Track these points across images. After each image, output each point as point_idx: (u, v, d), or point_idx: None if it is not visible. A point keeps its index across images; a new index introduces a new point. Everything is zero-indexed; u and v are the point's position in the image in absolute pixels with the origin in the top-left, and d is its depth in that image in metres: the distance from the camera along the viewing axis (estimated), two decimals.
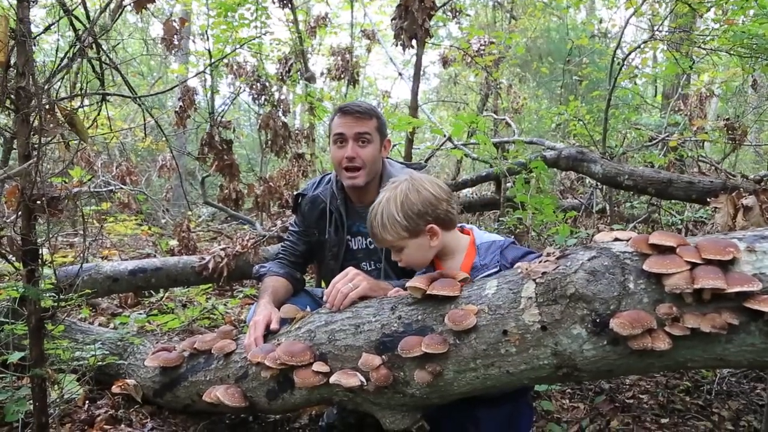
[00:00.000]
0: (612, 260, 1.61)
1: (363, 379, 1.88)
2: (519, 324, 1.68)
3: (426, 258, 2.08)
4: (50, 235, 1.90)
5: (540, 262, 1.73)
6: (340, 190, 2.58)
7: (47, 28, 2.03)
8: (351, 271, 2.15)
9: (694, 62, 6.23)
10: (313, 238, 2.64)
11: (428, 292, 1.84)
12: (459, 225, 2.17)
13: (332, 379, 1.91)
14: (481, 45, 7.49)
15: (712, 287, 1.43)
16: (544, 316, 1.64)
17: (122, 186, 6.62)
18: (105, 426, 2.39)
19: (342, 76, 7.88)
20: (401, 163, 2.78)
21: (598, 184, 5.45)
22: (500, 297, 1.75)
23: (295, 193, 2.78)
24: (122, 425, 2.42)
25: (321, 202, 2.60)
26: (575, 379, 1.85)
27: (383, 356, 1.88)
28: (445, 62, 8.94)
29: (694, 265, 1.50)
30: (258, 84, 6.61)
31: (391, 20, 4.21)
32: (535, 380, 1.80)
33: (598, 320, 1.57)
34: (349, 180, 2.46)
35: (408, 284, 1.93)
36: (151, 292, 4.59)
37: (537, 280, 1.68)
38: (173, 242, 5.53)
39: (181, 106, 6.14)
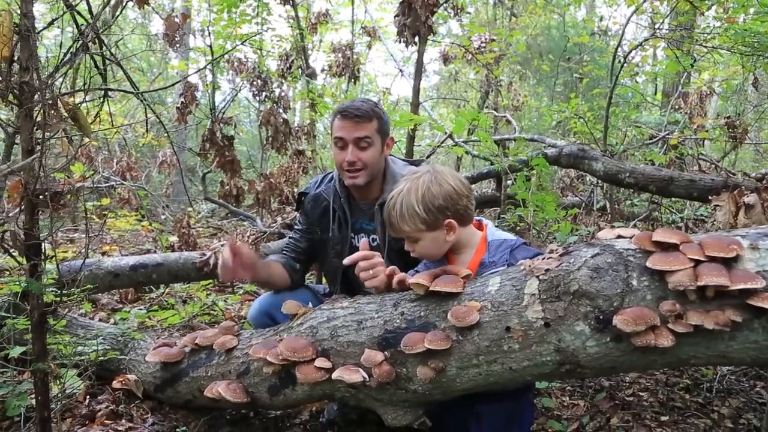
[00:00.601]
0: (615, 257, 1.61)
1: (365, 375, 1.88)
2: (522, 320, 1.69)
3: (440, 251, 2.08)
4: (53, 230, 1.90)
5: (543, 259, 1.74)
6: (343, 187, 2.58)
7: (51, 23, 2.03)
8: (376, 257, 2.14)
9: (695, 60, 6.23)
10: (316, 236, 2.64)
11: (431, 289, 1.84)
12: (476, 219, 2.17)
13: (334, 375, 1.91)
14: (482, 42, 7.48)
15: (716, 284, 1.43)
16: (547, 312, 1.65)
17: (123, 182, 6.61)
18: (106, 421, 2.39)
19: (343, 72, 7.87)
20: (403, 160, 2.77)
21: (599, 181, 5.45)
22: (503, 293, 1.75)
23: (298, 191, 2.78)
24: (123, 420, 2.42)
25: (324, 200, 2.60)
26: (578, 375, 1.85)
27: (386, 352, 1.89)
28: (445, 59, 8.92)
29: (697, 263, 1.50)
30: (259, 80, 6.60)
31: (394, 17, 4.21)
32: (538, 377, 1.80)
33: (601, 317, 1.57)
34: (350, 179, 2.46)
35: (411, 281, 1.93)
36: (152, 287, 4.59)
37: (540, 277, 1.68)
38: (173, 238, 5.53)
39: (182, 102, 6.13)
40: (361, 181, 2.45)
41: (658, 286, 1.54)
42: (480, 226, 2.19)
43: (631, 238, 1.67)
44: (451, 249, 2.09)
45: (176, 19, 5.59)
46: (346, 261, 2.15)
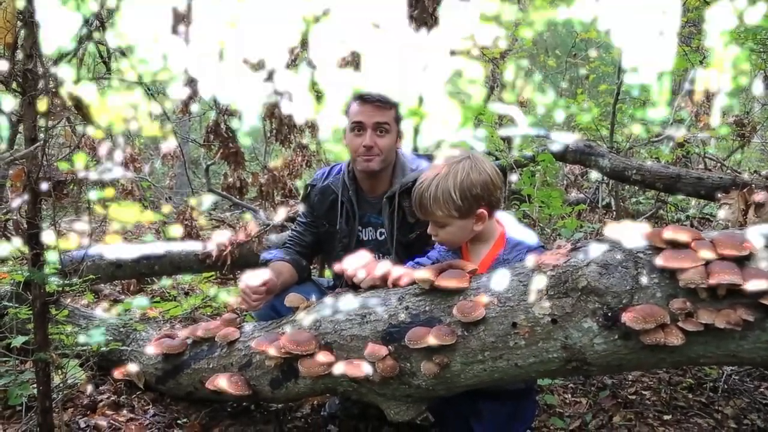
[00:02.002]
0: (625, 254, 1.59)
1: (369, 370, 1.87)
2: (529, 316, 1.67)
3: (463, 240, 2.03)
4: (55, 220, 1.88)
5: (551, 254, 1.72)
6: (352, 180, 2.55)
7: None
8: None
9: (704, 57, 6.17)
10: (322, 229, 2.62)
11: (436, 284, 1.82)
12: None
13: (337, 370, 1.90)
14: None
15: (729, 283, 1.41)
16: (554, 308, 1.63)
17: (126, 173, 6.58)
18: (107, 411, 2.39)
19: (347, 66, 7.82)
20: (413, 153, 2.75)
21: (604, 178, 5.42)
22: (510, 289, 1.73)
23: (305, 183, 2.76)
24: (124, 411, 2.42)
25: (332, 193, 2.58)
26: (584, 373, 1.84)
27: (389, 347, 1.87)
28: (451, 53, 8.86)
29: (708, 260, 1.48)
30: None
31: None
32: (544, 373, 1.79)
33: (609, 314, 1.55)
34: (364, 162, 2.43)
35: (416, 275, 1.91)
36: (154, 279, 4.58)
37: (548, 273, 1.66)
38: (176, 230, 5.51)
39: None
40: (375, 165, 2.43)
41: (669, 283, 1.52)
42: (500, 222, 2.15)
43: (641, 234, 1.64)
44: (470, 239, 2.05)
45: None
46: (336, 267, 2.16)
